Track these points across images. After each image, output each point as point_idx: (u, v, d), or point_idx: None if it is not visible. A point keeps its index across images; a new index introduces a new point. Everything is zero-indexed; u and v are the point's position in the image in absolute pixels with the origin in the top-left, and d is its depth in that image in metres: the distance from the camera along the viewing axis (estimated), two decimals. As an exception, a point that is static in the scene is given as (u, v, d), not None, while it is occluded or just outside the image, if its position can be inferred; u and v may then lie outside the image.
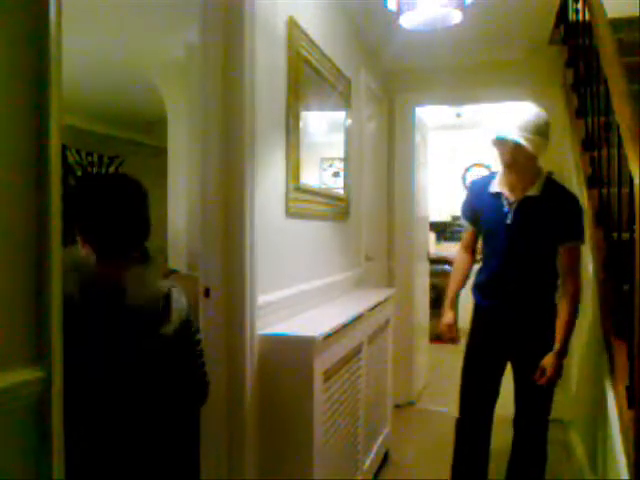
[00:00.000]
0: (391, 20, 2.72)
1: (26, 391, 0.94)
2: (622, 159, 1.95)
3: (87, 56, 3.74)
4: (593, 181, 2.51)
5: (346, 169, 3.07)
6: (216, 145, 1.85)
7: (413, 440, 3.47)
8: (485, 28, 3.34)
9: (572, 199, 2.22)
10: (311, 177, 2.50)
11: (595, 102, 2.49)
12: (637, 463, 1.66)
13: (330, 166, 2.94)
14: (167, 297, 1.42)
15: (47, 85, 0.97)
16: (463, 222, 2.53)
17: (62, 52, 0.99)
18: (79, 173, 5.47)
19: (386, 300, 3.01)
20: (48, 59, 0.96)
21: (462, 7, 2.33)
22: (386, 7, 2.55)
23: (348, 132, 3.08)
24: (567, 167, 3.18)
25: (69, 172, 5.20)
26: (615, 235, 2.08)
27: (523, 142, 2.10)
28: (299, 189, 2.28)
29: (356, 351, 2.41)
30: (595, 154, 2.48)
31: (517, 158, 2.17)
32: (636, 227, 1.66)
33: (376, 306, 2.73)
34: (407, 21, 2.41)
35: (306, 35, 2.36)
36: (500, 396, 2.37)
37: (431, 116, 5.31)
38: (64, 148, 4.80)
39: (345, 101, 3.01)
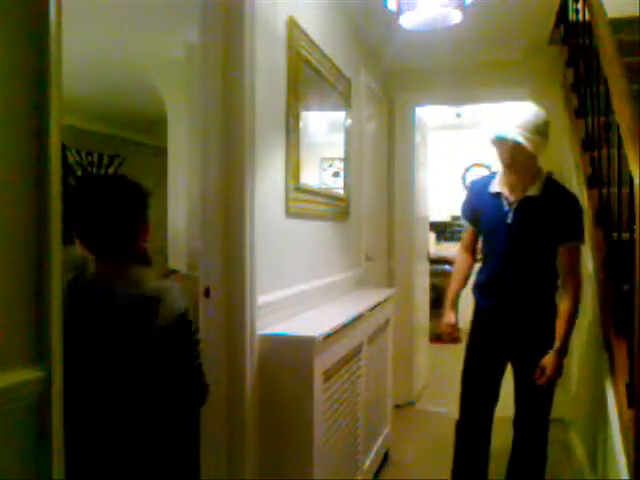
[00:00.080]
0: (391, 20, 2.72)
1: (26, 391, 0.94)
2: (622, 159, 1.95)
3: (87, 56, 3.73)
4: (593, 181, 2.51)
5: (346, 169, 3.07)
6: (216, 145, 1.85)
7: (413, 440, 3.47)
8: (485, 28, 3.34)
9: (572, 199, 2.22)
10: (311, 177, 2.50)
11: (595, 102, 2.49)
12: (637, 463, 1.66)
13: (330, 166, 2.94)
14: (158, 297, 1.42)
15: (47, 85, 0.97)
16: (463, 222, 2.53)
17: (62, 52, 0.99)
18: (79, 173, 5.46)
19: (386, 300, 3.01)
20: (48, 59, 0.97)
21: (462, 7, 2.33)
22: (386, 7, 2.55)
23: (348, 132, 3.08)
24: (567, 167, 3.18)
25: (69, 172, 5.19)
26: (615, 235, 2.08)
27: (522, 141, 2.10)
28: (299, 189, 2.28)
29: (356, 351, 2.41)
30: (595, 154, 2.48)
31: (516, 157, 2.17)
32: (636, 227, 1.66)
33: (376, 306, 2.73)
34: (407, 21, 2.41)
35: (306, 35, 2.36)
36: (500, 397, 2.37)
37: (431, 116, 5.31)
38: (64, 148, 4.80)
39: (345, 101, 3.01)
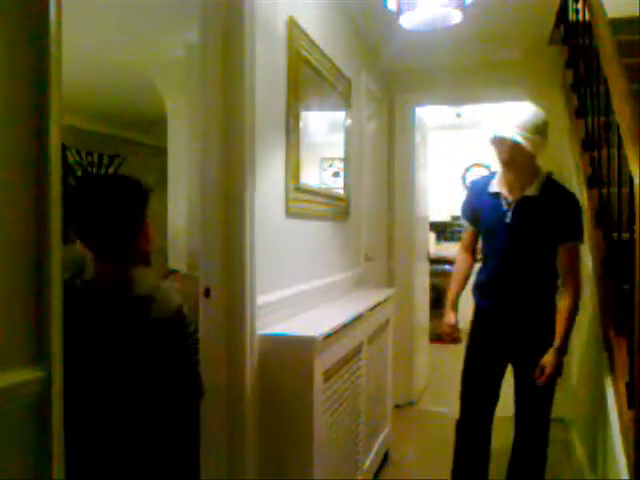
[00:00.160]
0: (391, 20, 2.72)
1: (26, 391, 0.94)
2: (622, 159, 1.95)
3: (87, 56, 3.73)
4: (593, 181, 2.51)
5: (346, 169, 3.07)
6: (216, 145, 1.85)
7: (413, 440, 3.48)
8: (485, 28, 3.34)
9: (571, 199, 2.22)
10: (311, 177, 2.50)
11: (595, 102, 2.49)
12: (637, 463, 1.66)
13: (330, 166, 2.94)
14: (151, 296, 1.42)
15: (47, 85, 0.97)
16: (463, 222, 2.54)
17: (62, 52, 0.99)
18: (79, 173, 5.47)
19: (386, 300, 3.01)
20: (48, 59, 0.97)
21: (462, 7, 2.33)
22: (386, 7, 2.55)
23: (348, 132, 3.08)
24: (567, 167, 3.18)
25: (69, 172, 5.19)
26: (615, 235, 2.08)
27: (521, 141, 2.10)
28: (299, 189, 2.28)
29: (356, 351, 2.41)
30: (595, 154, 2.48)
31: (515, 157, 2.17)
32: (636, 227, 1.66)
33: (376, 306, 2.73)
34: (407, 21, 2.41)
35: (306, 35, 2.36)
36: (500, 397, 2.37)
37: (431, 116, 5.30)
38: (64, 148, 4.80)
39: (345, 101, 3.01)
